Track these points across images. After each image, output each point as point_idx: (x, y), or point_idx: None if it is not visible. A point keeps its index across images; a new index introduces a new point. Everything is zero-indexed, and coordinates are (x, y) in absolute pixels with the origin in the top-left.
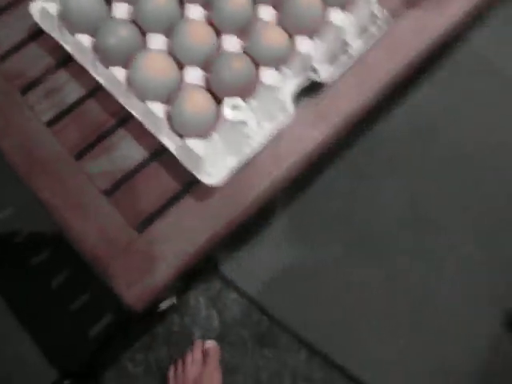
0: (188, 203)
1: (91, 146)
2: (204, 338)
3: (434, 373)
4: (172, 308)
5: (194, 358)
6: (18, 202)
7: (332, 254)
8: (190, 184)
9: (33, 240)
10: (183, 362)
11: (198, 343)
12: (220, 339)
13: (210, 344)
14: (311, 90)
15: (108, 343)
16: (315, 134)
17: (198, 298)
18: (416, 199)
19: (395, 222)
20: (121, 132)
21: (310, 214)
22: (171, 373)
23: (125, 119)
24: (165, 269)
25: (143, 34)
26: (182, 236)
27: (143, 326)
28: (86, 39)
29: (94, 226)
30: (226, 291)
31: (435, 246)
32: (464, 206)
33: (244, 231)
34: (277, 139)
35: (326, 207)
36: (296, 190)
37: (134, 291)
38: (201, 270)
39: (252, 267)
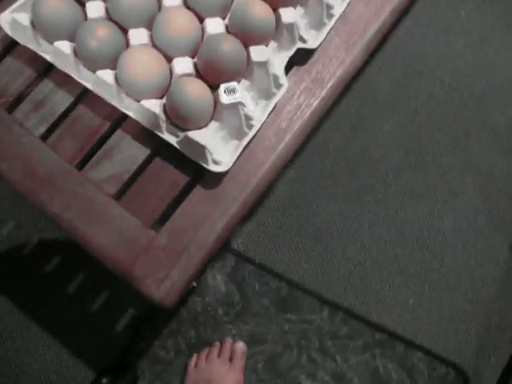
0: (200, 192)
1: (91, 153)
2: (228, 314)
3: (449, 309)
4: (192, 291)
5: (222, 353)
6: (18, 215)
7: (334, 209)
8: (198, 173)
9: (41, 249)
10: (208, 355)
11: (227, 340)
12: (243, 312)
13: (240, 345)
14: (301, 58)
15: (137, 335)
16: (312, 101)
17: (216, 277)
18: (411, 142)
19: (392, 168)
20: (118, 134)
21: (309, 174)
22: (193, 363)
23: (119, 120)
24: (189, 260)
25: (123, 30)
26: (200, 225)
27: (168, 312)
28: (65, 45)
29: (111, 232)
30: (241, 265)
31: (435, 185)
32: (459, 139)
33: None
34: (276, 113)
35: (322, 165)
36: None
37: (163, 288)
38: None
39: (262, 237)
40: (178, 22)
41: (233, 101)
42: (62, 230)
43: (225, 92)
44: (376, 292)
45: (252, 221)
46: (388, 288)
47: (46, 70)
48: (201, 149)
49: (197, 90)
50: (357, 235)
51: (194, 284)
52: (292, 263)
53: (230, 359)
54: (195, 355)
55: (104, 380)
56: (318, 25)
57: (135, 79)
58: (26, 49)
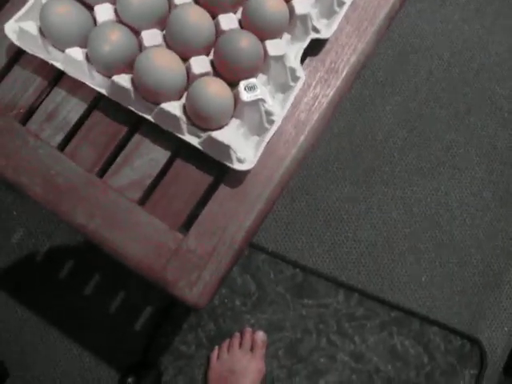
0: (224, 191)
1: (111, 160)
2: (246, 304)
3: (461, 283)
4: None
5: (242, 344)
6: (26, 223)
7: (343, 193)
8: (220, 172)
9: (53, 254)
10: (229, 347)
11: (247, 330)
12: (260, 301)
13: (260, 334)
14: (313, 48)
15: (157, 332)
16: (328, 91)
17: None
18: (414, 121)
19: (396, 148)
20: (136, 138)
21: (315, 160)
22: (215, 355)
23: (136, 124)
24: (220, 260)
25: (134, 31)
26: (227, 224)
27: (185, 307)
28: (77, 52)
29: (138, 238)
30: (254, 254)
31: (439, 162)
32: (461, 114)
33: None
34: (294, 106)
35: (328, 150)
36: None
37: (196, 291)
38: None
39: (273, 225)
40: (194, 20)
41: (254, 98)
42: (73, 234)
43: (245, 89)
44: (389, 271)
45: None
46: (400, 267)
47: (56, 77)
48: (225, 148)
49: (218, 90)
50: (366, 217)
51: None
52: (305, 249)
53: (251, 349)
54: (217, 347)
55: (129, 380)
56: (328, 13)
57: (154, 82)
58: (33, 57)
